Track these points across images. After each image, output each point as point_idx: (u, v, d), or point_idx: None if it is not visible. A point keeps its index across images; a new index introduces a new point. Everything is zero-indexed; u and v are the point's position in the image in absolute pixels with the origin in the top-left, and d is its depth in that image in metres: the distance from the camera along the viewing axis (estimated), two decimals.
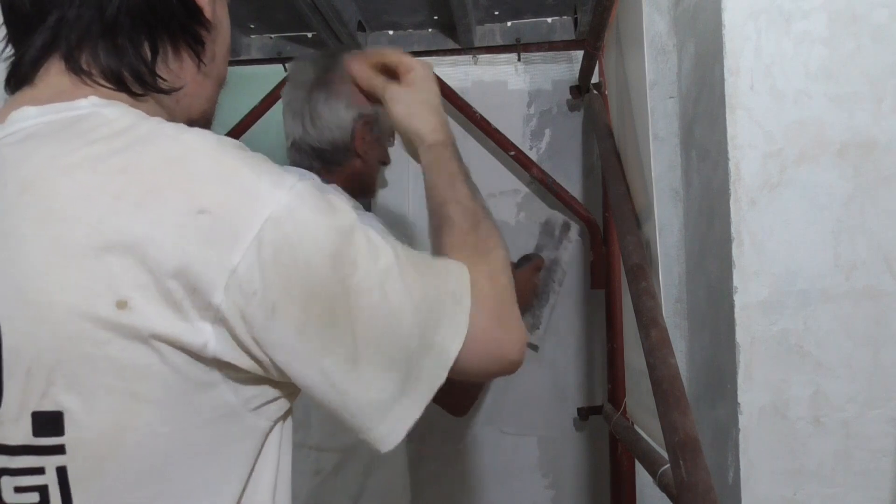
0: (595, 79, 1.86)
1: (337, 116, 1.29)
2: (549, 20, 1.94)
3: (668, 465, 0.98)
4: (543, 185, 1.94)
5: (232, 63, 2.04)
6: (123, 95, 0.61)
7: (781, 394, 1.15)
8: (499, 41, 1.97)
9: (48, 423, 0.52)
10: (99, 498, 0.54)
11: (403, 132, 0.85)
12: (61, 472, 0.53)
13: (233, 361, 0.54)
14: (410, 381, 0.60)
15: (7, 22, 0.62)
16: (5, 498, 0.54)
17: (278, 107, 1.45)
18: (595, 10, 1.49)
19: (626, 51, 1.37)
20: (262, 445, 0.59)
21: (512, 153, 1.95)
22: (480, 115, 1.95)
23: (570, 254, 1.95)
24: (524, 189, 2.00)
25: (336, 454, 1.24)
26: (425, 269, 0.63)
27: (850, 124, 1.16)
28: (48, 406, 0.52)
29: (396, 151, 0.88)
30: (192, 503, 0.56)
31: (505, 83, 2.01)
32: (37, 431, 0.52)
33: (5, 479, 0.54)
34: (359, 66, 0.88)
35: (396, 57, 0.87)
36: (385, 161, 1.39)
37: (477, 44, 1.97)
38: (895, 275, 1.15)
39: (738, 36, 1.20)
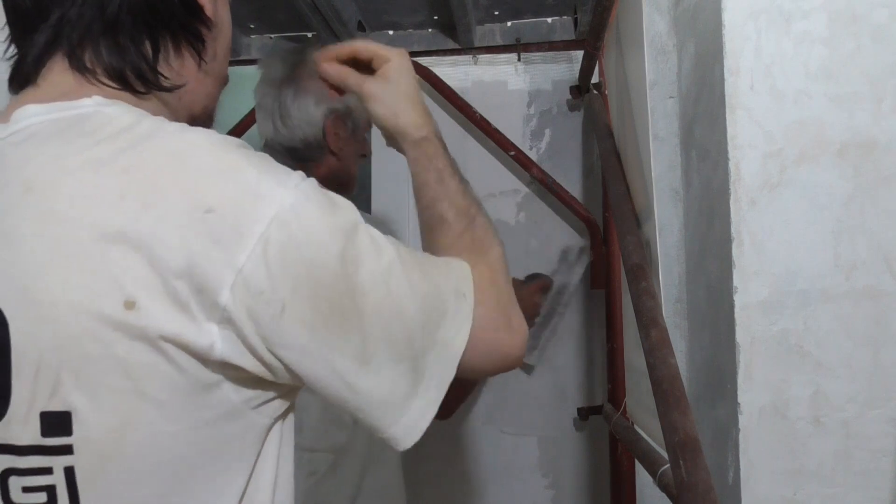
0: (595, 79, 1.86)
1: (307, 114, 1.26)
2: (549, 20, 1.94)
3: (668, 465, 0.98)
4: (543, 185, 1.94)
5: (232, 63, 2.04)
6: (127, 94, 0.61)
7: (781, 394, 1.15)
8: (499, 41, 1.97)
9: (56, 422, 0.52)
10: (106, 497, 0.54)
11: (385, 130, 0.81)
12: (69, 472, 0.53)
13: (239, 363, 0.54)
14: (420, 379, 0.61)
15: (9, 21, 0.63)
16: (13, 498, 0.54)
17: None
18: (595, 10, 1.49)
19: (626, 51, 1.37)
20: (263, 443, 0.60)
21: (512, 153, 1.95)
22: (480, 115, 1.95)
23: (579, 276, 1.94)
24: (524, 189, 2.00)
25: (329, 455, 1.23)
26: (428, 267, 0.64)
27: (850, 124, 1.16)
28: (57, 406, 0.52)
29: (390, 152, 0.84)
30: (197, 500, 0.56)
31: (505, 83, 2.01)
32: (45, 431, 0.53)
33: (13, 479, 0.54)
34: (329, 65, 0.82)
35: (369, 49, 0.81)
36: (365, 153, 1.36)
37: (477, 44, 1.97)
38: (895, 275, 1.15)
39: (738, 36, 1.20)
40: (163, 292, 0.51)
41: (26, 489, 0.54)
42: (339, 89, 0.82)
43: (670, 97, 1.59)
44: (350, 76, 0.80)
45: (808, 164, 1.17)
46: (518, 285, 1.57)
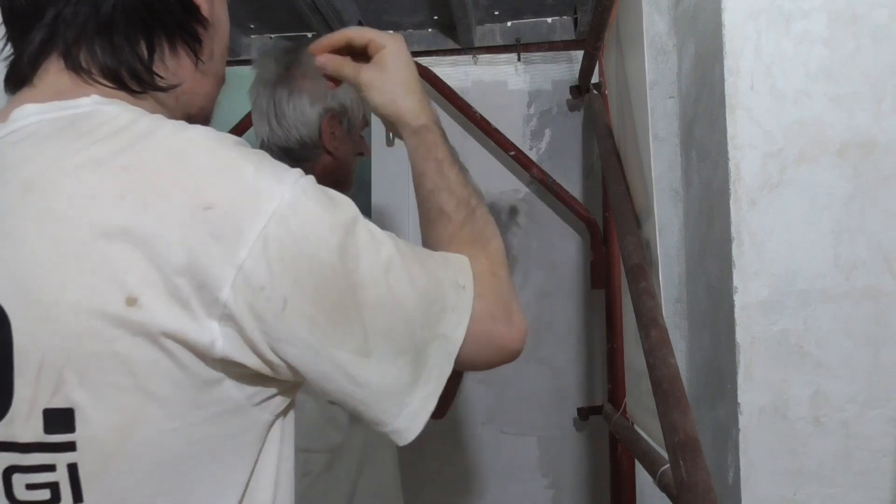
0: (595, 79, 1.86)
1: (302, 114, 1.25)
2: (549, 20, 1.94)
3: (668, 465, 0.98)
4: (543, 185, 1.94)
5: (232, 63, 2.05)
6: (123, 94, 0.61)
7: (781, 394, 1.15)
8: (499, 41, 1.97)
9: (59, 420, 0.53)
10: (109, 494, 0.54)
11: (384, 119, 0.79)
12: (72, 469, 0.53)
13: (240, 360, 0.54)
14: (421, 371, 0.61)
15: (5, 21, 0.62)
16: (17, 495, 0.54)
17: None
18: (595, 10, 1.49)
19: (626, 51, 1.37)
20: (265, 440, 0.60)
21: (512, 153, 1.95)
22: (480, 115, 1.95)
23: (519, 240, 1.95)
24: (524, 189, 2.00)
25: (324, 455, 1.23)
26: (427, 260, 0.64)
27: (850, 124, 1.16)
28: (60, 403, 0.52)
29: (390, 151, 0.83)
30: (199, 497, 0.56)
31: (505, 83, 2.01)
32: (48, 428, 0.53)
33: (17, 476, 0.54)
34: (323, 56, 0.79)
35: (364, 36, 0.78)
36: (362, 152, 1.35)
37: (477, 44, 1.97)
38: (895, 275, 1.15)
39: (738, 36, 1.20)
40: (164, 289, 0.51)
41: (30, 486, 0.54)
42: (336, 80, 0.81)
43: (670, 97, 1.59)
44: (345, 66, 0.79)
45: (808, 164, 1.17)
46: None
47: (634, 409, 1.49)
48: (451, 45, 1.98)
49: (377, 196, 2.02)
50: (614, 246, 1.75)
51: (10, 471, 0.54)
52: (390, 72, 0.76)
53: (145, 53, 0.62)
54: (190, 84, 0.66)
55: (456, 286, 0.64)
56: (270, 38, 2.01)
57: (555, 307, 1.98)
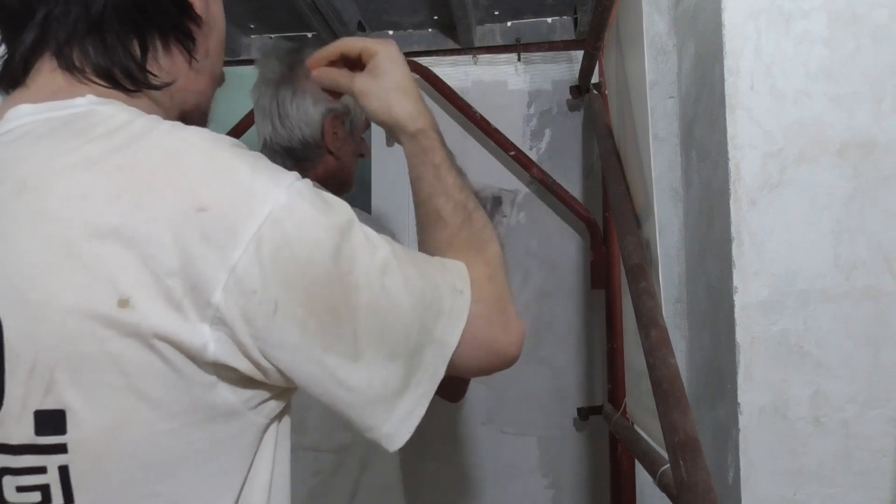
0: (595, 79, 1.86)
1: (305, 114, 1.26)
2: (549, 20, 1.94)
3: (668, 465, 0.98)
4: (543, 185, 1.94)
5: (232, 63, 2.05)
6: (118, 93, 0.61)
7: (781, 394, 1.15)
8: (499, 41, 1.97)
9: (50, 421, 0.52)
10: (100, 496, 0.54)
11: (382, 125, 0.78)
12: (63, 471, 0.53)
13: (232, 364, 0.54)
14: (412, 375, 0.61)
15: None
16: (7, 497, 0.54)
17: None
18: (595, 10, 1.50)
19: (626, 51, 1.37)
20: (260, 443, 0.59)
21: (512, 153, 1.95)
22: (480, 115, 1.95)
23: (504, 229, 1.94)
24: (524, 189, 2.00)
25: (333, 454, 1.23)
26: (423, 264, 0.64)
27: (850, 124, 1.16)
28: (51, 404, 0.52)
29: (390, 152, 0.83)
30: (192, 500, 0.56)
31: (505, 83, 2.01)
32: (39, 430, 0.52)
33: (7, 478, 0.54)
34: (319, 70, 0.80)
35: (356, 45, 0.78)
36: (363, 153, 1.36)
37: (477, 44, 1.97)
38: (895, 275, 1.15)
39: (738, 36, 1.20)
40: (156, 291, 0.51)
41: (20, 489, 0.53)
42: (335, 93, 0.81)
43: (670, 97, 1.59)
44: (340, 77, 0.79)
45: (808, 164, 1.17)
46: None
47: (634, 409, 1.49)
48: (451, 45, 1.98)
49: (377, 197, 2.02)
50: (614, 246, 1.75)
51: (1, 473, 0.54)
52: (384, 77, 0.76)
53: (138, 52, 0.62)
54: (184, 82, 0.66)
55: (453, 290, 0.64)
56: (270, 38, 2.01)
57: (555, 307, 1.98)
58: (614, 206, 1.40)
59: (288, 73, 1.27)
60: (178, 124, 0.58)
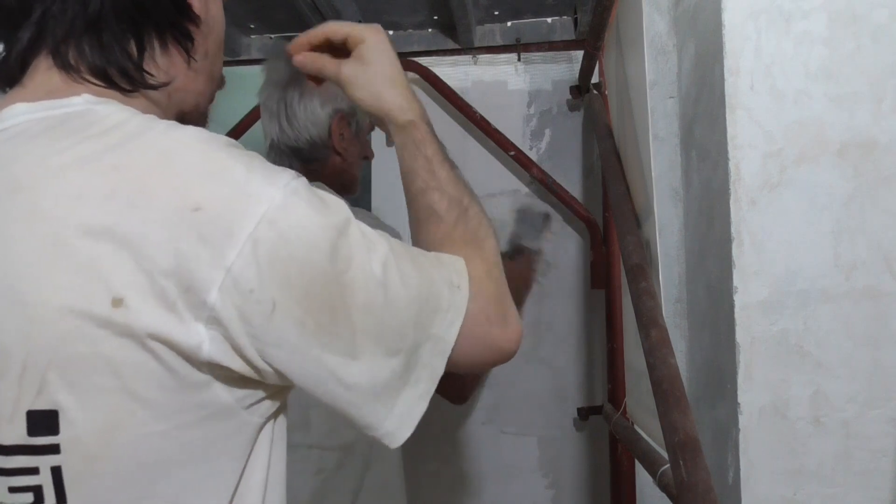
0: (595, 79, 1.86)
1: (313, 114, 1.28)
2: (549, 20, 1.95)
3: (668, 465, 0.98)
4: (543, 185, 1.94)
5: (232, 63, 2.05)
6: (114, 92, 0.60)
7: (781, 394, 1.15)
8: (499, 41, 1.97)
9: (43, 422, 0.52)
10: (93, 497, 0.53)
11: (370, 115, 0.76)
12: (56, 472, 0.53)
13: (226, 364, 0.54)
14: (411, 372, 0.60)
15: None
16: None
17: None
18: (595, 10, 1.50)
19: (626, 51, 1.37)
20: (255, 443, 0.59)
21: (512, 153, 1.95)
22: (480, 115, 1.95)
23: (552, 247, 1.94)
24: (524, 189, 2.00)
25: (337, 452, 1.24)
26: (421, 261, 0.63)
27: (850, 124, 1.16)
28: (43, 405, 0.52)
29: (391, 151, 0.82)
30: (186, 501, 0.56)
31: (505, 83, 2.01)
32: (31, 431, 0.52)
33: None
34: (302, 55, 0.77)
35: (341, 30, 0.75)
36: (367, 156, 1.37)
37: (477, 44, 1.97)
38: (895, 275, 1.15)
39: (738, 36, 1.20)
40: (150, 291, 0.51)
41: (13, 489, 0.53)
42: (318, 78, 0.78)
43: (670, 97, 1.59)
44: (325, 63, 0.76)
45: (808, 164, 1.17)
46: (507, 261, 1.58)
47: (634, 409, 1.49)
48: (451, 45, 1.98)
49: (377, 196, 2.02)
50: (614, 246, 1.75)
51: None
52: (371, 65, 0.74)
53: (135, 52, 0.61)
54: (182, 82, 0.65)
55: (450, 286, 0.63)
56: (270, 38, 2.01)
57: (555, 307, 1.98)
58: (614, 206, 1.40)
59: (295, 74, 1.28)
60: (174, 124, 0.57)
